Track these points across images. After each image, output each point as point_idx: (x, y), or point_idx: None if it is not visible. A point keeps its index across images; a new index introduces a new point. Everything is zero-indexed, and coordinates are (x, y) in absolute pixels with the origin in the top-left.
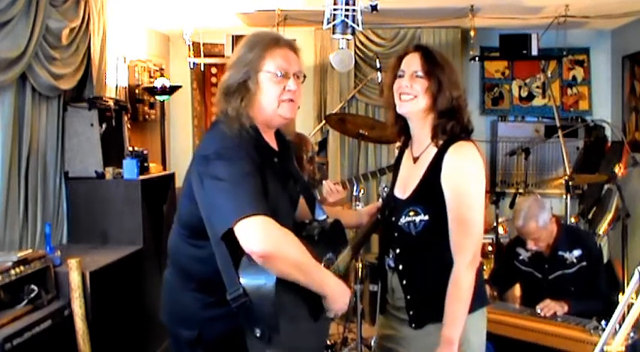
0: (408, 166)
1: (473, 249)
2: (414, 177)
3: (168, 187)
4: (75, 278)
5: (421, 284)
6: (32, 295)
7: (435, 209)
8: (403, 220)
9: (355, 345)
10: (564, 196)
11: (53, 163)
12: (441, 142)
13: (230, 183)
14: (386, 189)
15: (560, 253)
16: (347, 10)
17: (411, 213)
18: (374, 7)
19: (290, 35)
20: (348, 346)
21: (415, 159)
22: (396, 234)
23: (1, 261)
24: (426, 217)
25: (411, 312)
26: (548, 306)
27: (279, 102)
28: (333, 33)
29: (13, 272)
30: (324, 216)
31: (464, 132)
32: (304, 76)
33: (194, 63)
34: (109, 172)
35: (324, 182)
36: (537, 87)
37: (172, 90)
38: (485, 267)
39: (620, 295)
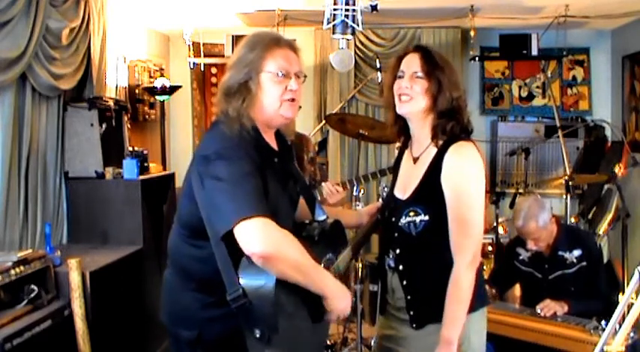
0: (407, 166)
1: (473, 249)
2: (414, 177)
3: (168, 187)
4: (75, 278)
5: (421, 284)
6: (32, 295)
7: (435, 209)
8: (403, 220)
9: (355, 345)
10: (564, 196)
11: (53, 163)
12: (440, 142)
13: (230, 183)
14: (386, 189)
15: (560, 253)
16: (347, 10)
17: (411, 214)
18: (374, 7)
19: (290, 35)
20: (348, 346)
21: (415, 160)
22: (396, 235)
23: (1, 261)
24: (426, 217)
25: (411, 312)
26: (548, 306)
27: (280, 102)
28: (333, 33)
29: (13, 272)
30: (324, 217)
31: (464, 133)
32: (305, 76)
33: (194, 63)
34: (109, 172)
35: (323, 183)
36: (537, 87)
37: (172, 90)
38: (485, 267)
39: (620, 295)
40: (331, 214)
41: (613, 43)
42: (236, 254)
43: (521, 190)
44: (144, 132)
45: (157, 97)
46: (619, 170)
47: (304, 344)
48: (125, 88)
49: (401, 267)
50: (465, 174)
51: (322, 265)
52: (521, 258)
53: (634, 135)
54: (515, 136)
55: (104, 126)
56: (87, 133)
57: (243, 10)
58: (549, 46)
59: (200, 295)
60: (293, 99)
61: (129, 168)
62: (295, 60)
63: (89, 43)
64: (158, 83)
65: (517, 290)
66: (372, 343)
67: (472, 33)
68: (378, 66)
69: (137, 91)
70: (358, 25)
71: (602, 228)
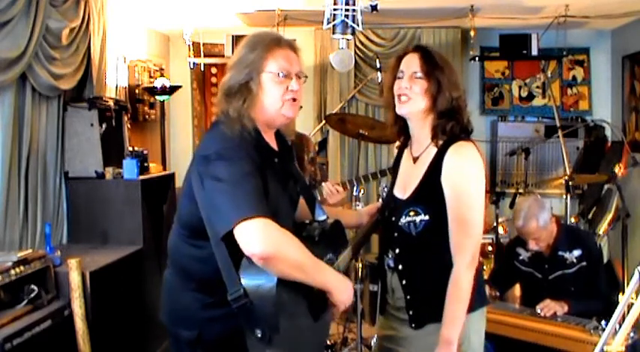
0: (407, 166)
1: (472, 249)
2: (413, 177)
3: (168, 187)
4: (75, 278)
5: (421, 284)
6: (32, 295)
7: (435, 209)
8: (403, 220)
9: (355, 345)
10: (564, 196)
11: (53, 163)
12: (440, 142)
13: (230, 183)
14: (385, 189)
15: (560, 253)
16: (347, 10)
17: (411, 213)
18: (374, 7)
19: (290, 35)
20: (348, 346)
21: (415, 159)
22: (396, 234)
23: (1, 261)
24: (426, 217)
25: (410, 312)
26: (549, 306)
27: (282, 102)
28: (333, 33)
29: (13, 272)
30: (325, 217)
31: (464, 133)
32: (305, 76)
33: (194, 63)
34: (109, 172)
35: (324, 183)
36: (537, 87)
37: (172, 90)
38: (485, 267)
39: (620, 295)
40: (331, 214)
41: (613, 43)
42: (237, 254)
43: (521, 190)
44: (144, 132)
45: (157, 97)
46: (619, 170)
47: (305, 344)
48: (125, 87)
49: (400, 267)
50: (465, 174)
51: None
52: (521, 258)
53: (634, 135)
54: (515, 136)
55: (104, 126)
56: (87, 133)
57: (243, 10)
58: (549, 46)
59: (200, 295)
60: (294, 100)
61: (129, 168)
62: (296, 60)
63: (89, 43)
64: (158, 83)
65: (517, 290)
66: (372, 343)
67: (472, 33)
68: (378, 66)
69: (137, 91)
70: (358, 25)
71: (602, 228)
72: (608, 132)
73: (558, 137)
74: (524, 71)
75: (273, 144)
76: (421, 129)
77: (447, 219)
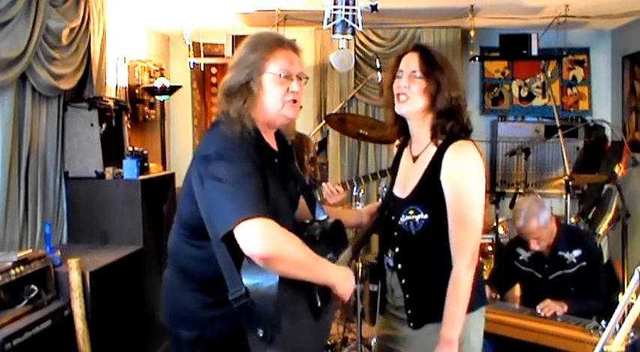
0: (407, 165)
1: (472, 249)
2: (413, 176)
3: (168, 187)
4: (75, 278)
5: (420, 283)
6: (32, 295)
7: (435, 208)
8: (403, 219)
9: (355, 345)
10: (564, 196)
11: (53, 163)
12: (440, 142)
13: (230, 184)
14: (385, 189)
15: (560, 253)
16: (347, 10)
17: (411, 212)
18: (374, 7)
19: (290, 35)
20: (348, 346)
21: (415, 159)
22: (395, 234)
23: (1, 261)
24: (426, 216)
25: (409, 311)
26: (548, 306)
27: (282, 103)
28: (333, 33)
29: (13, 272)
30: (325, 216)
31: (463, 132)
32: (306, 78)
33: (194, 63)
34: (109, 172)
35: (324, 184)
36: (537, 87)
37: (172, 90)
38: (485, 267)
39: (620, 295)
40: (331, 214)
41: (613, 43)
42: (238, 253)
43: (521, 190)
44: (144, 132)
45: (157, 97)
46: (619, 170)
47: (306, 344)
48: (125, 87)
49: (400, 266)
50: (464, 173)
51: None
52: (521, 258)
53: (634, 135)
54: (515, 136)
55: (104, 126)
56: (87, 133)
57: (243, 10)
58: (549, 46)
59: (200, 295)
60: (294, 101)
61: (129, 168)
62: (297, 61)
63: (89, 43)
64: (158, 83)
65: (517, 290)
66: (372, 343)
67: (472, 33)
68: (378, 66)
69: (137, 91)
70: (358, 25)
71: (602, 228)
72: (608, 132)
73: (558, 137)
74: (524, 71)
75: (273, 145)
76: (421, 129)
77: (446, 219)
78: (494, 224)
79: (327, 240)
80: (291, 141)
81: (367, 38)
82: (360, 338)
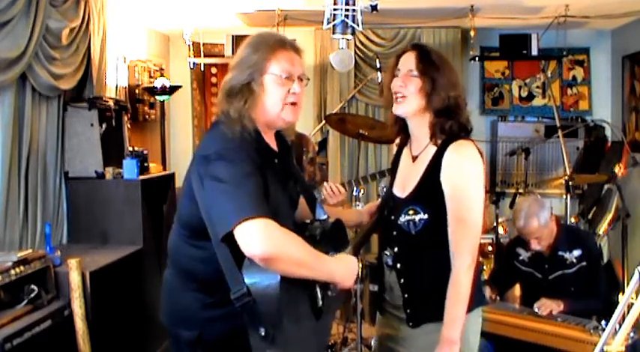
0: (407, 165)
1: (472, 249)
2: (413, 175)
3: (168, 187)
4: (75, 278)
5: (419, 283)
6: (32, 295)
7: (435, 208)
8: (403, 219)
9: (355, 345)
10: (564, 196)
11: (53, 163)
12: (439, 141)
13: (230, 184)
14: (384, 188)
15: (560, 253)
16: (347, 10)
17: (411, 212)
18: (374, 7)
19: (290, 35)
20: (348, 346)
21: (414, 158)
22: (394, 233)
23: (1, 261)
24: (426, 216)
25: (408, 311)
26: (545, 305)
27: (283, 105)
28: (333, 33)
29: (13, 272)
30: (325, 216)
31: (463, 132)
32: (308, 79)
33: (194, 63)
34: (109, 172)
35: (326, 183)
36: (537, 87)
37: (172, 90)
38: (485, 267)
39: (620, 295)
40: (332, 213)
41: (613, 43)
42: (239, 252)
43: (521, 190)
44: (144, 132)
45: (157, 97)
46: (619, 170)
47: (307, 344)
48: (125, 87)
49: (399, 266)
50: (464, 173)
51: None
52: (521, 258)
53: (634, 135)
54: (515, 136)
55: (104, 126)
56: (87, 133)
57: (243, 10)
58: (549, 46)
59: (201, 295)
60: (295, 103)
61: (129, 168)
62: (299, 62)
63: (89, 43)
64: (158, 83)
65: (517, 290)
66: (372, 343)
67: (472, 33)
68: (378, 66)
69: (137, 91)
70: (358, 25)
71: (602, 228)
72: (608, 132)
73: (558, 137)
74: (524, 71)
75: (273, 145)
76: (420, 128)
77: (446, 219)
78: (494, 224)
79: (327, 239)
80: (291, 141)
81: (367, 38)
82: (360, 338)
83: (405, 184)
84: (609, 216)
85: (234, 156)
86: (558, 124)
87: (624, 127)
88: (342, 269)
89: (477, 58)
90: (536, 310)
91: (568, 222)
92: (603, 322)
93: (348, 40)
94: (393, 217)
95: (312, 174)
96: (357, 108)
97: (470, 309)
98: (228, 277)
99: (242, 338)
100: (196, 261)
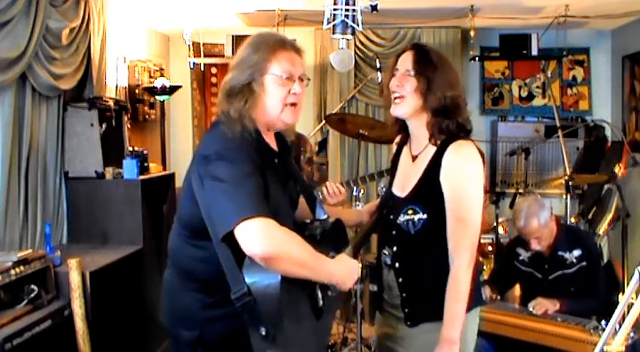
0: (406, 164)
1: (471, 249)
2: (412, 175)
3: (168, 187)
4: (75, 278)
5: (418, 282)
6: (32, 295)
7: (434, 207)
8: (402, 219)
9: (355, 345)
10: (564, 196)
11: (53, 163)
12: (439, 141)
13: (231, 184)
14: (384, 188)
15: (560, 253)
16: (347, 10)
17: (410, 212)
18: (374, 7)
19: (290, 35)
20: (348, 346)
21: (414, 158)
22: (394, 232)
23: (1, 261)
24: (425, 216)
25: (406, 310)
26: (540, 304)
27: (283, 105)
28: (333, 33)
29: (13, 272)
30: (325, 216)
31: (463, 132)
32: (308, 79)
33: (194, 63)
34: (109, 172)
35: (327, 183)
36: (537, 87)
37: (172, 90)
38: (485, 267)
39: (620, 295)
40: (332, 213)
41: (613, 43)
42: (239, 252)
43: (521, 190)
44: (144, 132)
45: (157, 97)
46: (619, 170)
47: (307, 344)
48: (125, 87)
49: (397, 265)
50: (464, 173)
51: None
52: (521, 258)
53: (634, 135)
54: (515, 136)
55: (104, 126)
56: (87, 133)
57: (243, 10)
58: (549, 46)
59: (201, 295)
60: (295, 104)
61: (129, 168)
62: (299, 62)
63: (89, 43)
64: (158, 83)
65: (517, 290)
66: (371, 342)
67: (472, 33)
68: (378, 66)
69: (137, 91)
70: (358, 25)
71: (602, 228)
72: (608, 132)
73: (558, 137)
74: (524, 71)
75: (273, 145)
76: (419, 128)
77: (445, 219)
78: (494, 224)
79: (327, 239)
80: (290, 140)
81: (367, 38)
82: (360, 338)
83: (404, 184)
84: (609, 216)
85: (235, 156)
86: (558, 124)
87: (624, 127)
88: (342, 271)
89: (476, 58)
90: (530, 309)
91: (568, 222)
92: (603, 322)
93: (348, 40)
94: (392, 216)
95: (310, 174)
96: (357, 108)
97: (469, 309)
98: (229, 277)
99: (242, 338)
100: (197, 261)
